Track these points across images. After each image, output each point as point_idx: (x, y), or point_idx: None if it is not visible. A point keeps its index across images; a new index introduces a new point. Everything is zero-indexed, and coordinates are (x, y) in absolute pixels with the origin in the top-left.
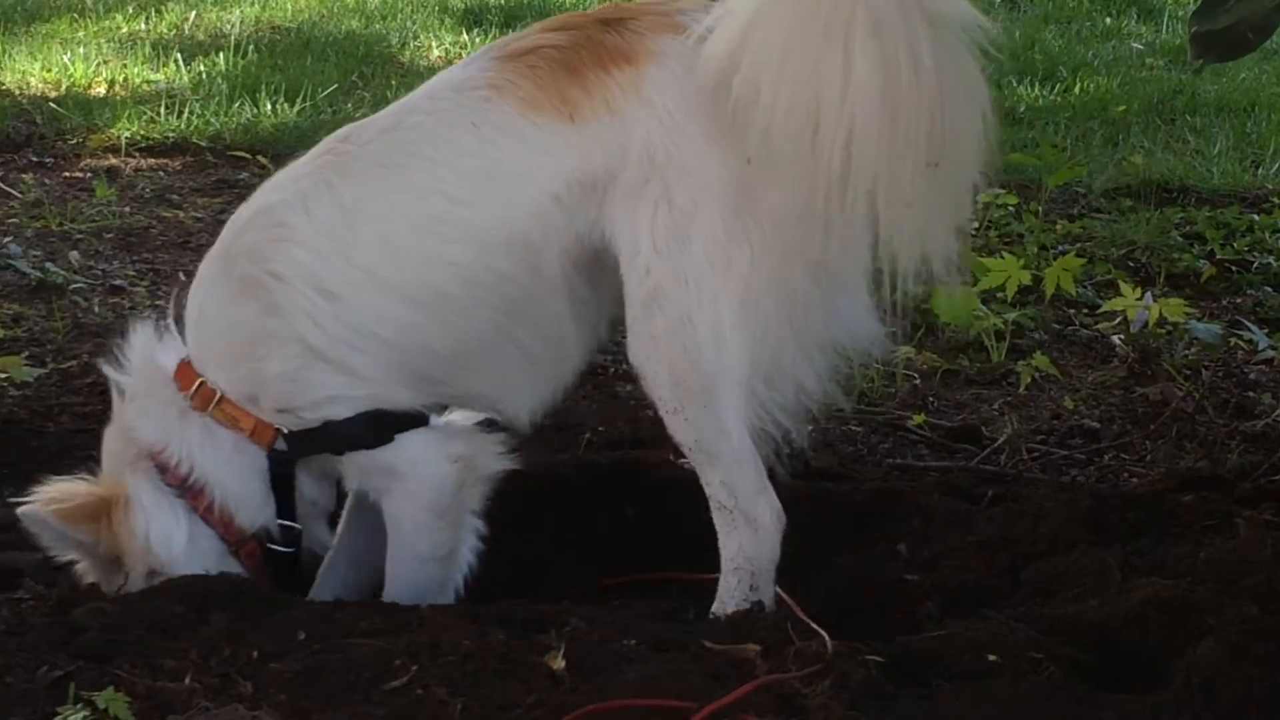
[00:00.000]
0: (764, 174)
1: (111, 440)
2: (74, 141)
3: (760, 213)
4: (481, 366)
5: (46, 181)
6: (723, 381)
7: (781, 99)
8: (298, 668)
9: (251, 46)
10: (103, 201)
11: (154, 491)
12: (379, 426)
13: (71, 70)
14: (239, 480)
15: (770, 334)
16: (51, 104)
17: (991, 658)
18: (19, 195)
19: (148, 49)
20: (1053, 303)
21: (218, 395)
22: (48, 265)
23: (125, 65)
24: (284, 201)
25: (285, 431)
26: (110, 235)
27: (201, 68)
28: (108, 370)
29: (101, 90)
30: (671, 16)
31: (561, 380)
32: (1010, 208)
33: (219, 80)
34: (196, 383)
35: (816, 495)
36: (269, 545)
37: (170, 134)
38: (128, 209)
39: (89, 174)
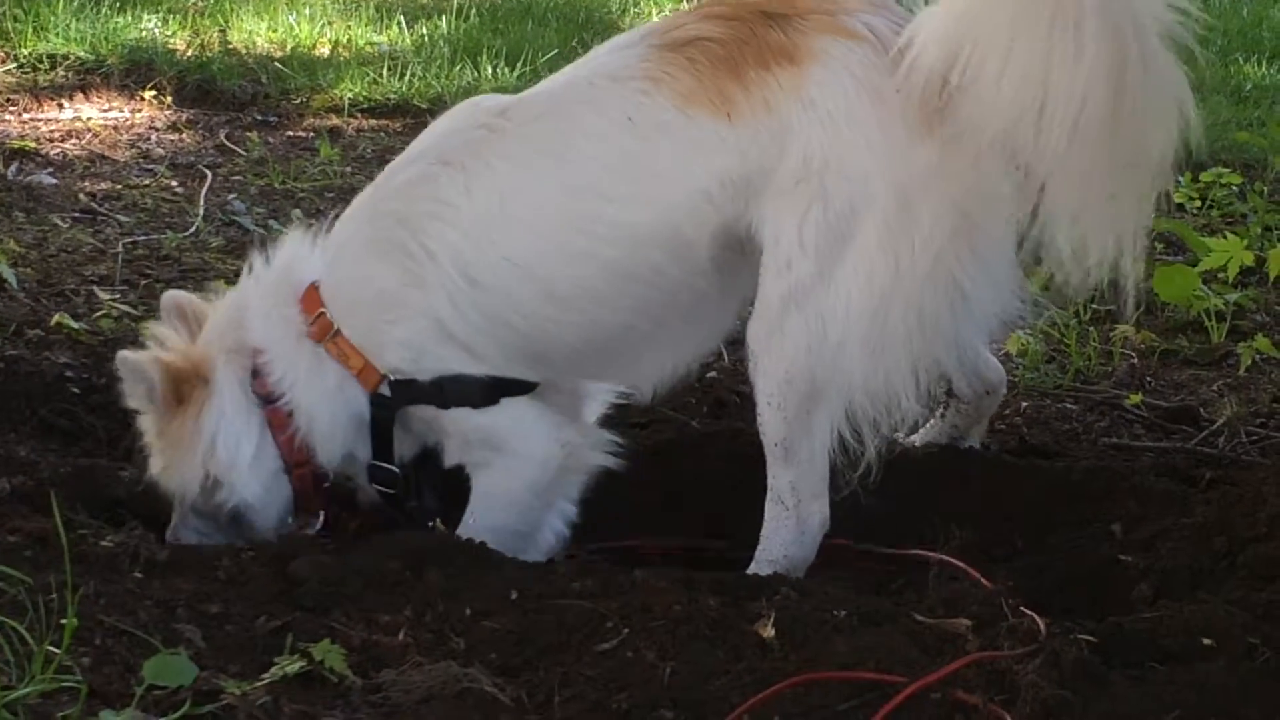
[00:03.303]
0: (948, 168)
1: (225, 311)
2: (298, 101)
3: (913, 229)
4: (612, 354)
5: (271, 140)
6: (832, 389)
7: (1007, 81)
8: (510, 626)
9: (473, 10)
10: (325, 161)
11: (238, 394)
12: (488, 390)
13: (297, 30)
14: (329, 416)
15: (890, 351)
16: (277, 64)
17: (1206, 641)
18: (244, 153)
19: (371, 11)
20: (1275, 284)
21: (335, 328)
22: (271, 222)
23: (349, 26)
24: (448, 177)
25: (391, 378)
26: (331, 194)
27: (424, 30)
28: (254, 254)
29: (326, 51)
30: (836, 17)
31: (697, 356)
32: (1234, 187)
33: (441, 43)
34: (318, 311)
35: (1031, 473)
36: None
37: (392, 95)
38: (349, 169)
39: (312, 133)
